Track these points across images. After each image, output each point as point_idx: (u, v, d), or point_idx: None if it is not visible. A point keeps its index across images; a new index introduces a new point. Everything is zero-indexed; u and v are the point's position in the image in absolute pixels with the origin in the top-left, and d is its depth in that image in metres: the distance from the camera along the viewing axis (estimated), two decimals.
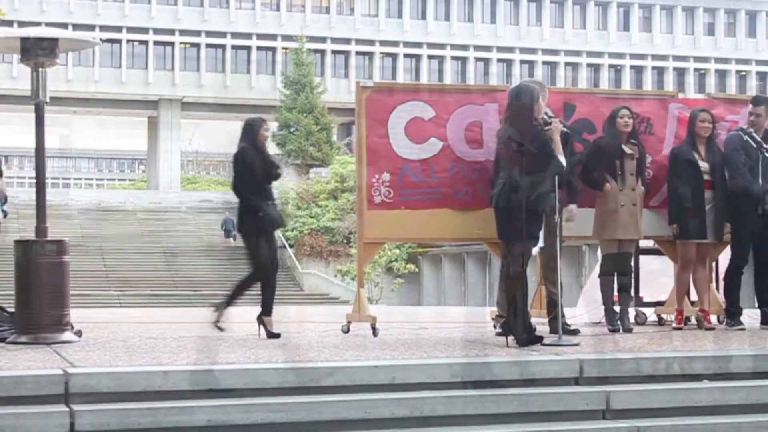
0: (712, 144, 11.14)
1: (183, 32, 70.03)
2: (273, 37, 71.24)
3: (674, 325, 11.18)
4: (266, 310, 10.43)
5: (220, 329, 10.42)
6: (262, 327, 10.35)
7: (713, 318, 11.77)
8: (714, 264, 12.50)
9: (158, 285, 45.42)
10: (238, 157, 10.49)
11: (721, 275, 12.05)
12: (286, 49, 69.08)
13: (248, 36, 71.18)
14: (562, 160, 9.23)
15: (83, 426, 6.56)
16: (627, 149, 10.81)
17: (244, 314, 10.94)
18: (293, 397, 7.08)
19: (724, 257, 11.78)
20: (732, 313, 11.17)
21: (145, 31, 69.52)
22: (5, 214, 11.65)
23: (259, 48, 71.55)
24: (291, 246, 51.59)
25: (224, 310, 10.53)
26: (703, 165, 11.01)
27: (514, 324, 9.13)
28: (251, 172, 10.39)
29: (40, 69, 9.97)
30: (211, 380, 7.10)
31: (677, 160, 11.07)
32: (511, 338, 9.07)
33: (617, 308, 10.95)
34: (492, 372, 7.64)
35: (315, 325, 11.55)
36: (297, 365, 7.53)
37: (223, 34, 70.74)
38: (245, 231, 10.57)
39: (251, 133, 10.51)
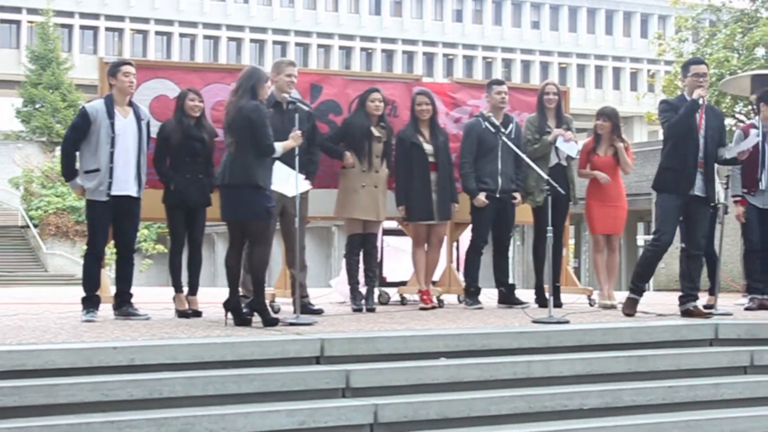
0: (435, 126, 11.34)
1: None
2: (18, 9, 68.82)
3: (422, 305, 11.27)
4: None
5: None
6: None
7: (453, 297, 12.08)
8: (455, 244, 12.84)
9: None
10: None
11: (462, 255, 12.38)
12: (31, 23, 66.78)
13: None
14: (277, 146, 9.14)
15: None
16: (376, 132, 10.93)
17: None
18: (27, 380, 6.87)
19: (466, 237, 12.09)
20: (471, 293, 11.46)
21: None
22: None
23: (2, 21, 69.01)
24: (35, 226, 50.05)
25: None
26: (428, 147, 11.19)
27: (259, 303, 9.15)
28: None
29: None
30: None
31: (403, 144, 11.24)
32: (230, 316, 9.11)
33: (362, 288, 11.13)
34: (233, 352, 7.61)
35: (56, 306, 11.21)
36: (31, 348, 7.30)
37: None
38: None
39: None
